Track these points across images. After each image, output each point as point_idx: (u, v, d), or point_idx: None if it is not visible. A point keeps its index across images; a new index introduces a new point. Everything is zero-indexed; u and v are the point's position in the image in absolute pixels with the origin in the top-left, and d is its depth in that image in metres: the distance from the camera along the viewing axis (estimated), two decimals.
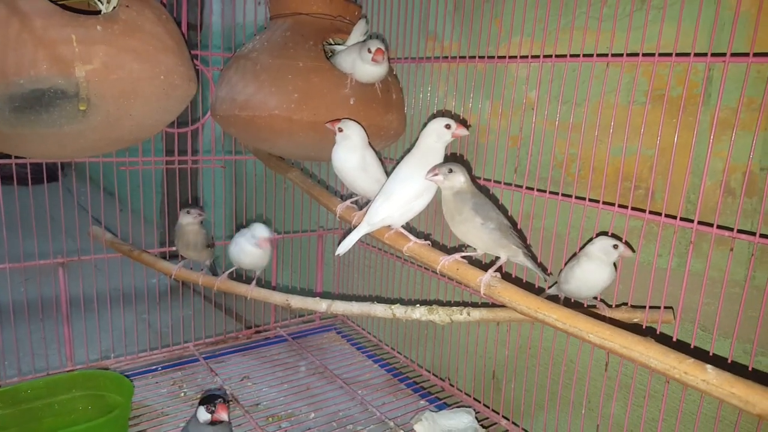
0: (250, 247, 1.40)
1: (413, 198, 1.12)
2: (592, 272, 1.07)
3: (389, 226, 1.17)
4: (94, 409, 1.32)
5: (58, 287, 1.48)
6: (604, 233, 1.12)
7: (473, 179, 1.18)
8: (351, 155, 1.24)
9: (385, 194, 1.14)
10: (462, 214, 1.04)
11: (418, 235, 1.23)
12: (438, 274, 1.13)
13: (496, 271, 1.02)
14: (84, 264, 1.53)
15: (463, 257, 1.09)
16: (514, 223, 1.28)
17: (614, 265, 1.10)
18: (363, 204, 1.32)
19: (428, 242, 1.16)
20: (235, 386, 1.50)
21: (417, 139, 1.16)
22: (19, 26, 1.01)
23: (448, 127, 1.10)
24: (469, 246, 1.11)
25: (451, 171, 1.04)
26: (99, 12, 1.12)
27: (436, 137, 1.11)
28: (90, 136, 1.16)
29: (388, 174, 1.24)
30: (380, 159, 1.32)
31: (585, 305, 1.18)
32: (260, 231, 1.38)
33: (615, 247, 1.04)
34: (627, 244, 1.06)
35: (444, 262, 1.08)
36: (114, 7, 1.12)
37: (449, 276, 1.09)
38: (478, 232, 1.04)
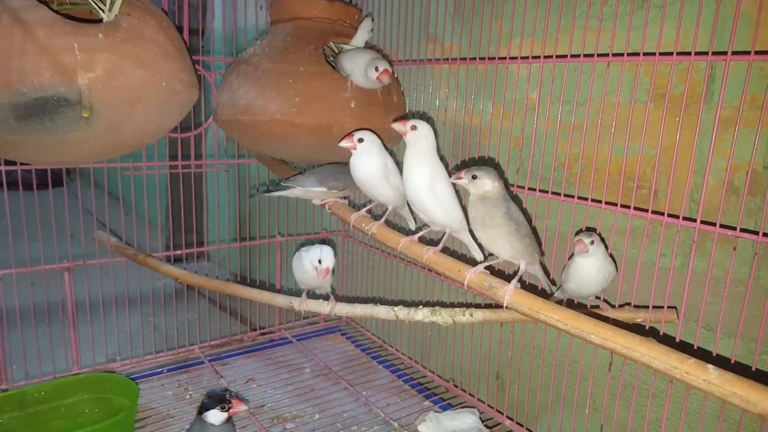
0: (310, 266, 1.34)
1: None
2: (583, 268, 1.07)
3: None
4: (100, 412, 1.33)
5: (64, 291, 1.50)
6: (591, 229, 1.11)
7: (506, 184, 1.14)
8: (372, 164, 1.21)
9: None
10: (495, 219, 1.01)
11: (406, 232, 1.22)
12: (455, 282, 1.09)
13: (518, 281, 1.00)
14: (89, 268, 1.54)
15: (486, 267, 1.06)
16: (535, 232, 1.26)
17: (613, 259, 1.10)
18: (378, 214, 1.30)
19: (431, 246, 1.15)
20: (240, 388, 1.51)
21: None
22: (22, 35, 1.02)
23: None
24: (490, 255, 1.08)
25: (475, 177, 1.01)
26: (101, 20, 1.13)
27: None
28: (93, 143, 1.17)
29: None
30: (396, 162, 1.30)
31: (588, 306, 1.18)
32: (326, 260, 1.30)
33: (574, 243, 1.05)
34: (601, 238, 1.07)
35: (470, 276, 1.04)
36: (115, 15, 1.13)
37: (476, 290, 1.04)
38: (512, 239, 1.01)
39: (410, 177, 1.12)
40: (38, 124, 1.07)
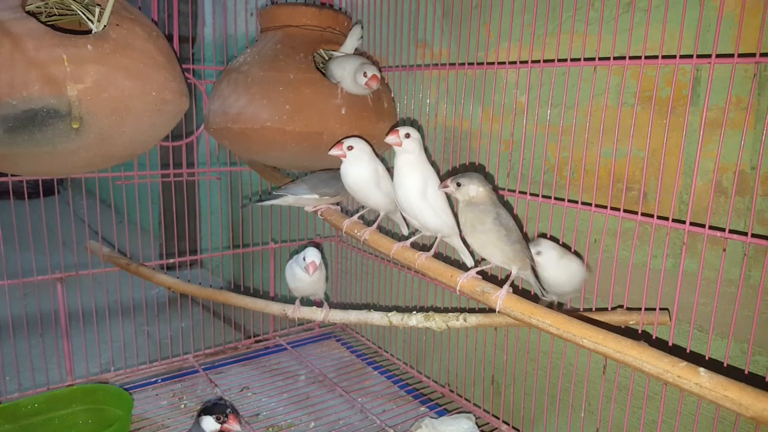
0: (301, 272, 1.36)
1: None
2: (543, 267, 1.11)
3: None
4: (94, 423, 1.33)
5: (57, 302, 1.49)
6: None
7: (495, 189, 1.15)
8: (364, 171, 1.21)
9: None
10: (484, 224, 1.02)
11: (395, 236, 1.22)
12: (450, 287, 1.09)
13: (510, 285, 1.00)
14: (82, 278, 1.54)
15: (479, 272, 1.06)
16: (526, 237, 1.27)
17: (580, 257, 1.14)
18: (371, 220, 1.30)
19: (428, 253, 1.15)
20: (234, 397, 1.50)
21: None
22: (10, 47, 1.02)
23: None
24: (484, 260, 1.09)
25: (459, 185, 1.03)
26: (90, 31, 1.13)
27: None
28: (84, 154, 1.17)
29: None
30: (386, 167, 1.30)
31: (581, 309, 1.18)
32: (310, 255, 1.33)
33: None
34: (566, 246, 1.13)
35: (463, 281, 1.05)
36: (104, 26, 1.14)
37: (469, 295, 1.05)
38: (502, 244, 1.02)
39: (402, 183, 1.12)
40: (28, 136, 1.07)
